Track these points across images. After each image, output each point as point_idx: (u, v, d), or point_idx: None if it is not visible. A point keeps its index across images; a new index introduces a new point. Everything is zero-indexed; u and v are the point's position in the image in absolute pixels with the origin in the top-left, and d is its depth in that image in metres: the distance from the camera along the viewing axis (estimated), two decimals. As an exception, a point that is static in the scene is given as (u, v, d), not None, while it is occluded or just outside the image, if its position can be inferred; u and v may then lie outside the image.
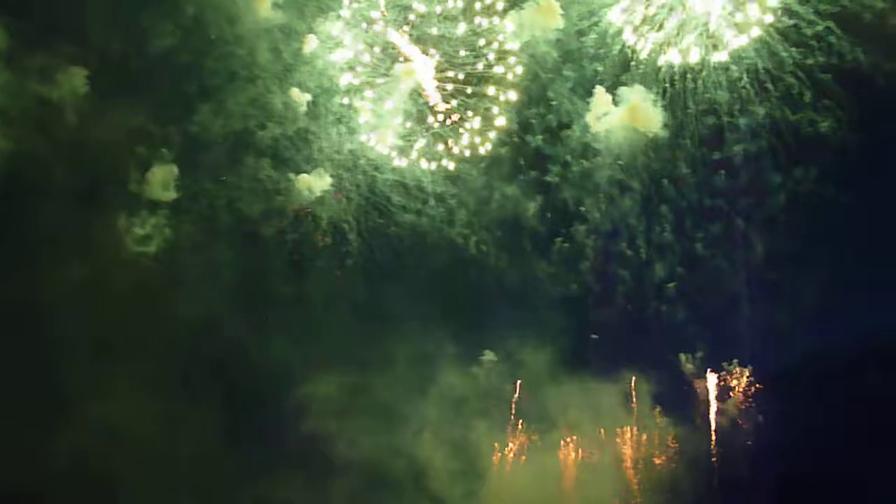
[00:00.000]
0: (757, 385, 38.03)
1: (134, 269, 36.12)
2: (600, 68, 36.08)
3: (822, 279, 35.29)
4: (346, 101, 36.65)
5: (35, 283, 33.85)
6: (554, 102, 36.85)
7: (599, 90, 36.15)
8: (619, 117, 36.09)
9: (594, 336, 38.45)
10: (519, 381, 38.81)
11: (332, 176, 37.66)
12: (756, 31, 34.32)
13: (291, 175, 37.45)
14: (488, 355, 39.03)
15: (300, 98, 36.61)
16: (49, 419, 33.85)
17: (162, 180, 36.53)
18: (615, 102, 36.13)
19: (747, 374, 38.33)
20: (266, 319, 37.19)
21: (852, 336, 35.95)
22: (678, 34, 34.77)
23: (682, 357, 38.79)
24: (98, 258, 35.26)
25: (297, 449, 36.45)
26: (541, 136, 37.35)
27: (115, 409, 34.47)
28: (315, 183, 37.63)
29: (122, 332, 35.46)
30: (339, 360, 37.55)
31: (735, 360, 38.45)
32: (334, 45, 36.17)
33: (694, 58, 34.82)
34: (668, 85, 35.58)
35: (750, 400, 38.15)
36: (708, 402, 38.61)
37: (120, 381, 35.07)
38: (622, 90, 36.12)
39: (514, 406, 38.76)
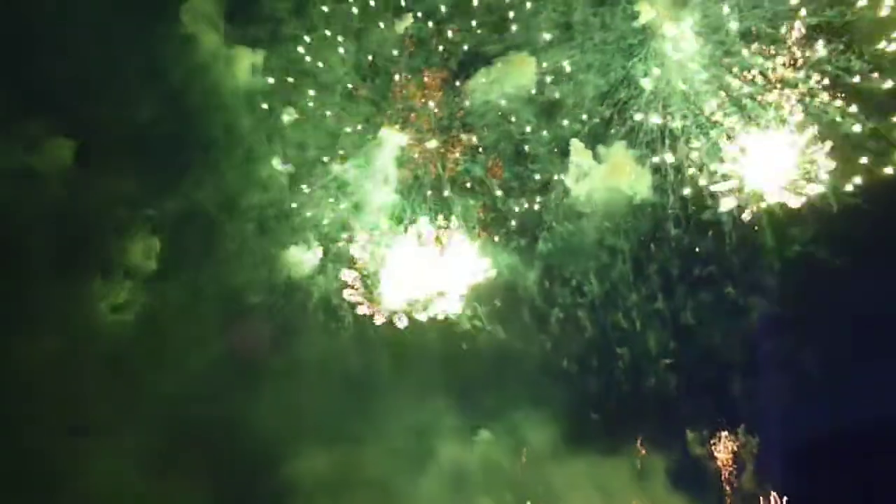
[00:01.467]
0: (769, 458, 37.36)
1: (113, 338, 35.33)
2: (578, 126, 35.87)
3: (824, 348, 34.71)
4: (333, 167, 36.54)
5: (8, 356, 33.00)
6: (533, 165, 36.62)
7: (578, 146, 35.70)
8: (602, 177, 35.56)
9: (594, 416, 37.56)
10: (523, 457, 37.81)
11: (321, 247, 37.10)
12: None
13: (278, 248, 37.03)
14: (488, 429, 38.12)
15: (282, 168, 36.51)
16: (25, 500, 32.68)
17: (143, 250, 36.19)
18: (596, 159, 35.76)
19: (755, 446, 37.70)
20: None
21: (865, 407, 35.32)
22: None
23: (689, 433, 38.16)
24: (74, 327, 34.55)
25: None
26: (523, 199, 36.96)
27: (95, 487, 33.22)
28: (304, 256, 37.01)
29: (103, 406, 34.37)
30: (332, 434, 36.61)
31: (745, 433, 37.87)
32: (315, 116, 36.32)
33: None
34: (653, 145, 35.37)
35: (762, 474, 37.43)
36: (719, 475, 37.83)
37: (100, 458, 33.80)
38: (603, 149, 35.89)
39: (517, 482, 37.68)
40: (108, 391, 34.04)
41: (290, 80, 35.40)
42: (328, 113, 35.62)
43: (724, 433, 38.36)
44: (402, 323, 35.92)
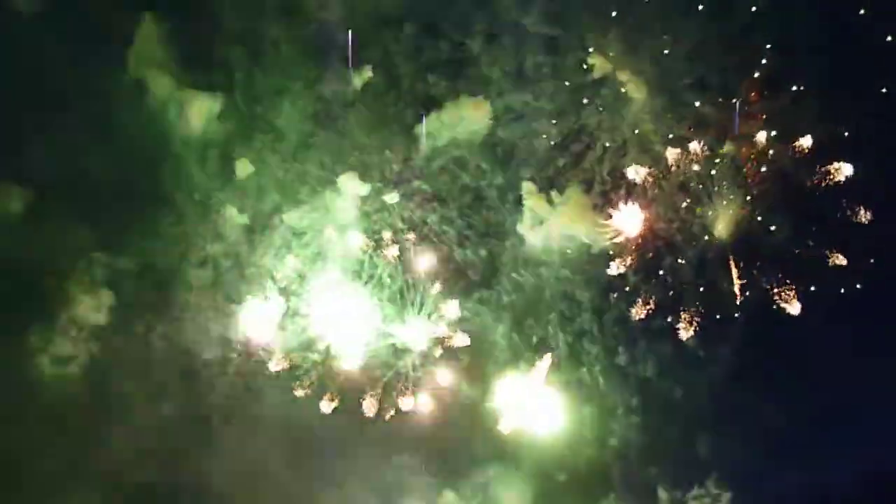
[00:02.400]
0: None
1: (54, 392, 34.23)
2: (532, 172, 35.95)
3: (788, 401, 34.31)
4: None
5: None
6: (485, 211, 36.47)
7: (531, 189, 35.56)
8: (558, 224, 35.46)
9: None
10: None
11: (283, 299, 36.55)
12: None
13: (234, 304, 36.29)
14: (454, 489, 37.15)
15: (238, 219, 36.17)
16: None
17: (92, 301, 35.36)
18: (551, 204, 35.64)
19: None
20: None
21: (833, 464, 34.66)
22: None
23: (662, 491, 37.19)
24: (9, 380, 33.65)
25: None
26: (480, 247, 36.72)
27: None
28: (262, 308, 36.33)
29: (50, 464, 33.36)
30: (291, 494, 35.73)
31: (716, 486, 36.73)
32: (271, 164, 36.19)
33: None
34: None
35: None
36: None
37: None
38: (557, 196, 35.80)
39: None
40: (50, 448, 33.11)
41: (245, 127, 35.42)
42: (284, 162, 35.62)
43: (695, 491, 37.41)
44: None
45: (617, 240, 34.60)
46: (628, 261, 34.52)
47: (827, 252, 33.03)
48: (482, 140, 35.48)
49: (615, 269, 34.56)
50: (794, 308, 33.56)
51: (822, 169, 32.81)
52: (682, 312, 34.53)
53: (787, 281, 33.48)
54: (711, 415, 35.77)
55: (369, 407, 35.23)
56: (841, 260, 33.09)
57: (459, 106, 35.02)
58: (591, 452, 36.80)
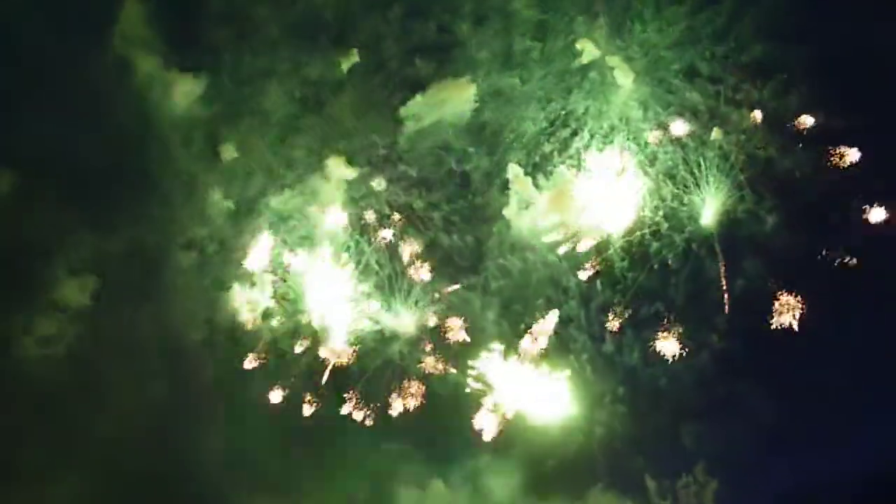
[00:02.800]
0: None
1: (40, 373, 34.06)
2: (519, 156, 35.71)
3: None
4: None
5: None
6: (471, 196, 36.22)
7: (516, 171, 35.25)
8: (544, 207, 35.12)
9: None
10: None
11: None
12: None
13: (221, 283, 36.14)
14: (443, 477, 37.07)
15: (223, 202, 36.01)
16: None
17: (78, 283, 35.25)
18: (537, 188, 35.35)
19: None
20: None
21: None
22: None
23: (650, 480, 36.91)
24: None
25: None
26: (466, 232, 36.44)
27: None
28: (253, 296, 36.24)
29: (35, 447, 33.30)
30: (281, 480, 35.67)
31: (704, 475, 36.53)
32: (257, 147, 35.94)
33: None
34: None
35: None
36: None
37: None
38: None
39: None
40: (35, 431, 33.01)
41: (231, 108, 35.22)
42: (270, 145, 35.45)
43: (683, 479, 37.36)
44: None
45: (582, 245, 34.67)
46: (596, 267, 34.63)
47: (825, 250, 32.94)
48: (468, 122, 35.22)
49: (585, 275, 34.73)
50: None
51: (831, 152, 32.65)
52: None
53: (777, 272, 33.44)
54: (698, 404, 35.37)
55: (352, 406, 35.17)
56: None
57: (445, 87, 34.77)
58: (579, 441, 36.43)
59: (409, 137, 35.34)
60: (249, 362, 35.68)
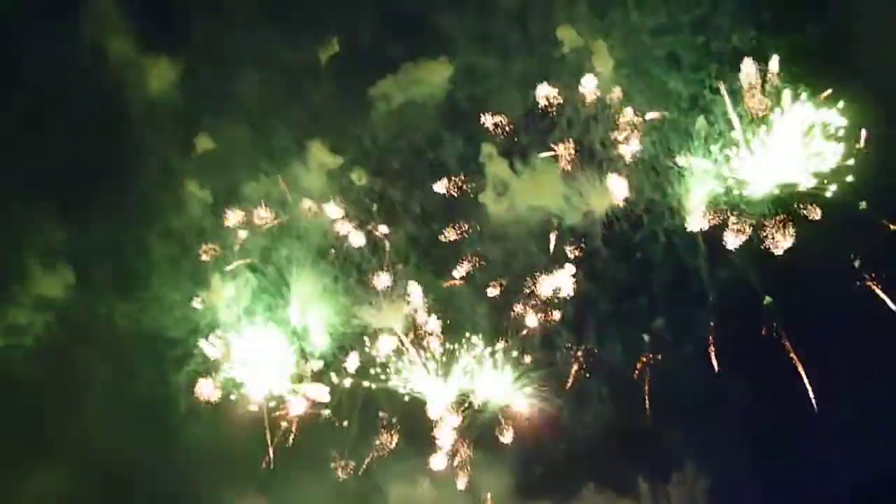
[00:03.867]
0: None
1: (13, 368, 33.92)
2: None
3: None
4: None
5: None
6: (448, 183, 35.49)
7: (489, 151, 34.93)
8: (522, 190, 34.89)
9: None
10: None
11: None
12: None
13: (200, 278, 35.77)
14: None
15: (200, 193, 35.68)
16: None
17: (52, 278, 35.07)
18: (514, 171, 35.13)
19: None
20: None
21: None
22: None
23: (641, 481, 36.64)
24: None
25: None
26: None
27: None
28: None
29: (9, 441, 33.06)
30: (264, 476, 35.22)
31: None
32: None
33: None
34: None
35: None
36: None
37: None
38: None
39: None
40: (9, 425, 32.80)
41: (207, 94, 34.90)
42: (247, 132, 35.21)
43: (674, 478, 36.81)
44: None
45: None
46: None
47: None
48: (442, 103, 35.00)
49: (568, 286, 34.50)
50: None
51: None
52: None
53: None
54: (686, 401, 34.98)
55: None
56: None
57: (418, 67, 34.62)
58: (569, 440, 36.08)
59: (382, 121, 35.04)
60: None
